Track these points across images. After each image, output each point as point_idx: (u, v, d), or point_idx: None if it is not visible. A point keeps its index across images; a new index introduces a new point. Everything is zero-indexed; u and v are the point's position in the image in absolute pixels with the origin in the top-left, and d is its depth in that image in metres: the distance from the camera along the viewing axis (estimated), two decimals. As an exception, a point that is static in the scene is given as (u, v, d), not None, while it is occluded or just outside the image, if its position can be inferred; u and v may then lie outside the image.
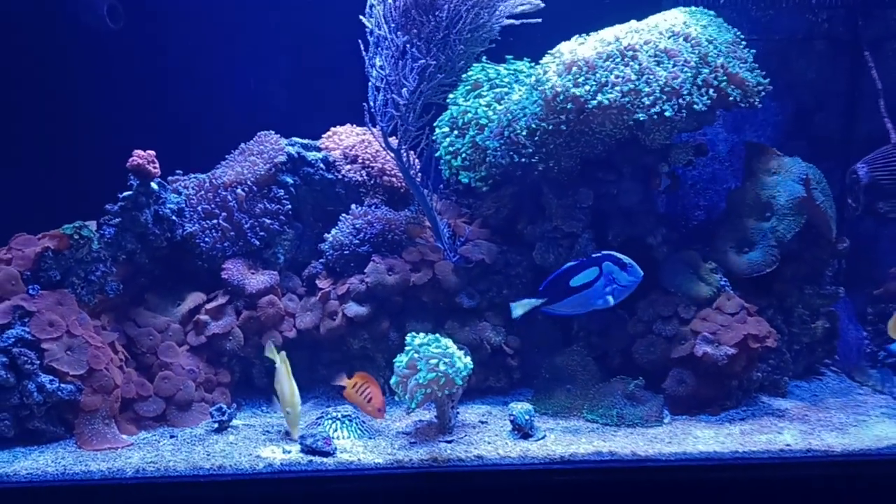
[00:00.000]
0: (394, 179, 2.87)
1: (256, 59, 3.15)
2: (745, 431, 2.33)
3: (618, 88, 2.36)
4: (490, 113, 2.72)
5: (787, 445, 2.22)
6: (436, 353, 2.28)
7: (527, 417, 2.30)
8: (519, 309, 2.37)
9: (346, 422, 2.34)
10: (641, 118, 2.36)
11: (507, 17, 2.56)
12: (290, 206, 2.78)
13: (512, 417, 2.31)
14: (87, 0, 2.96)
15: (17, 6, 2.99)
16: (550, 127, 2.45)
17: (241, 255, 2.72)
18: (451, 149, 2.76)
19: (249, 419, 2.49)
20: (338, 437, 2.29)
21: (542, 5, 2.57)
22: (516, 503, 2.17)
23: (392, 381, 2.34)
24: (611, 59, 2.41)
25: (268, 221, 2.73)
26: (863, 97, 2.87)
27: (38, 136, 3.04)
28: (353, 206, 2.80)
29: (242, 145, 2.90)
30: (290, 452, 2.19)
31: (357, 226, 2.72)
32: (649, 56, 2.41)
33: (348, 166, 2.86)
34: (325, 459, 2.16)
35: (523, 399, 2.54)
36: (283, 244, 2.77)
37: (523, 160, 2.55)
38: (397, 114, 2.55)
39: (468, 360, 2.34)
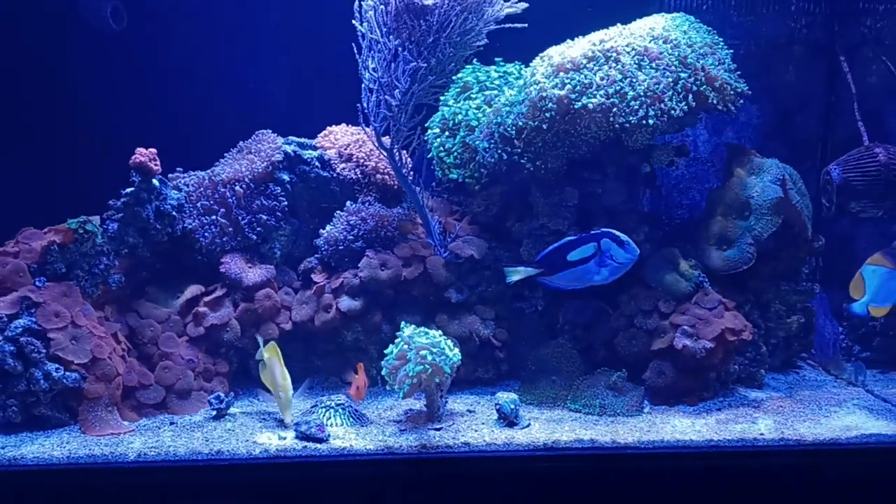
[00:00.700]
0: (387, 178, 2.94)
1: (255, 60, 3.19)
2: (721, 421, 2.40)
3: (601, 92, 2.44)
4: (480, 114, 2.79)
5: (761, 434, 2.29)
6: (425, 344, 2.35)
7: (512, 407, 2.37)
8: (514, 275, 2.40)
9: (340, 410, 2.41)
10: (625, 124, 2.43)
11: (495, 22, 2.62)
12: (286, 203, 2.83)
13: (498, 406, 2.38)
14: (90, 2, 3.01)
15: (23, 8, 3.03)
16: (537, 126, 2.52)
17: (239, 249, 2.78)
18: (442, 149, 2.85)
19: (246, 407, 2.56)
20: (331, 425, 2.36)
21: (527, 5, 2.64)
22: (501, 488, 2.23)
23: (383, 371, 2.41)
24: (595, 62, 2.49)
25: (265, 217, 2.79)
26: (839, 101, 2.96)
27: (44, 134, 3.07)
28: (347, 203, 2.86)
29: (241, 144, 2.94)
30: (285, 439, 2.26)
31: (351, 222, 2.79)
32: (632, 60, 2.49)
33: (343, 165, 2.93)
34: (318, 445, 2.22)
35: (510, 390, 2.60)
36: (279, 239, 2.84)
37: (512, 159, 2.62)
38: (390, 114, 2.61)
39: (456, 351, 2.41)
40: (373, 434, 2.32)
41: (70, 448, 2.20)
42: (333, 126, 3.05)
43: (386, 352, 2.42)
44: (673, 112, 2.46)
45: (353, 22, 2.58)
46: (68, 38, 3.07)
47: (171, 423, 2.42)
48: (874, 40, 2.99)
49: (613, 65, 2.47)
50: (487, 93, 2.85)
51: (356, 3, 2.57)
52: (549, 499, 2.24)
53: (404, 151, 2.75)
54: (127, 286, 2.64)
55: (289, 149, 2.89)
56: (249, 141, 2.94)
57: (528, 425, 2.37)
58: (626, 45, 2.50)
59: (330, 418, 2.39)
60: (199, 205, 2.78)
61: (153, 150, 2.59)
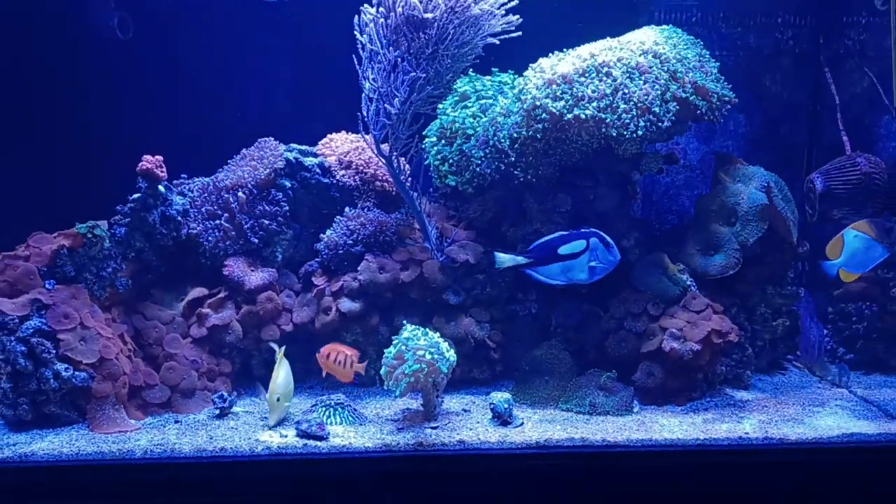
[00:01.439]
0: (385, 184, 3.00)
1: (258, 69, 3.25)
2: (708, 420, 2.47)
3: (594, 104, 2.50)
4: (476, 123, 2.86)
5: (746, 434, 2.36)
6: (422, 346, 2.42)
7: (506, 406, 2.44)
8: (505, 261, 2.47)
9: (339, 409, 2.47)
10: (614, 134, 2.50)
11: (491, 35, 2.69)
12: (288, 208, 2.88)
13: (492, 406, 2.45)
14: (98, 12, 3.06)
15: (33, 19, 3.08)
16: (530, 135, 2.59)
17: (242, 253, 2.84)
18: (439, 157, 2.92)
19: (248, 406, 2.61)
20: (331, 423, 2.42)
21: (521, 21, 2.71)
22: (495, 484, 2.29)
23: (381, 370, 2.46)
24: (586, 75, 2.56)
25: (267, 222, 2.85)
26: (824, 111, 3.04)
27: (54, 141, 3.12)
28: (347, 209, 2.92)
29: (244, 151, 3.00)
30: (286, 437, 2.32)
31: (351, 227, 2.85)
32: (623, 72, 2.56)
33: (343, 171, 2.99)
34: (318, 443, 2.28)
35: (504, 390, 2.64)
36: (281, 244, 2.89)
37: (507, 169, 2.70)
38: (389, 123, 2.67)
39: (452, 352, 2.47)
40: (371, 432, 2.38)
41: (79, 445, 2.26)
42: (334, 134, 3.11)
43: (385, 352, 2.48)
44: (661, 124, 2.53)
45: (354, 33, 2.64)
46: (77, 48, 3.11)
47: (176, 422, 2.48)
48: (858, 52, 3.07)
49: (605, 77, 2.54)
50: (483, 101, 2.92)
51: (357, 15, 2.64)
52: (541, 495, 2.30)
53: (402, 158, 2.81)
54: (133, 289, 2.70)
55: (290, 156, 2.95)
56: (252, 148, 3.00)
57: (522, 424, 2.43)
58: (616, 58, 2.57)
59: (329, 417, 2.45)
60: (203, 210, 2.84)
61: (159, 158, 2.65)
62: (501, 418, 2.44)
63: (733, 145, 3.17)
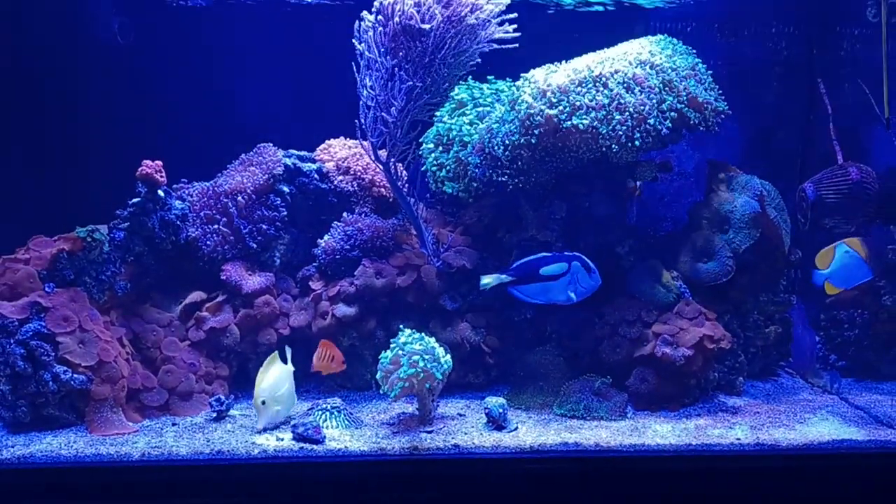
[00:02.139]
0: (383, 190, 3.02)
1: (257, 75, 3.27)
2: (700, 426, 2.49)
3: (592, 115, 2.52)
4: (472, 130, 2.89)
5: (738, 440, 2.38)
6: (418, 350, 2.45)
7: (501, 411, 2.46)
8: (488, 281, 2.51)
9: (335, 412, 2.49)
10: (615, 148, 2.53)
11: (487, 43, 2.72)
12: (285, 213, 2.91)
13: (487, 410, 2.47)
14: (99, 17, 3.10)
15: (34, 23, 3.10)
16: (523, 143, 2.60)
17: (240, 257, 2.86)
18: (436, 163, 2.95)
19: (245, 410, 2.62)
20: (327, 427, 2.44)
21: (518, 34, 2.75)
22: (489, 488, 2.31)
23: (378, 375, 2.49)
24: (583, 86, 2.59)
25: (265, 227, 2.88)
26: (817, 120, 3.07)
27: (54, 145, 3.15)
28: (344, 214, 2.94)
29: (243, 156, 3.02)
30: (282, 440, 2.34)
31: (348, 232, 2.87)
32: (618, 83, 2.58)
33: (341, 177, 3.02)
34: (314, 446, 2.30)
35: (499, 395, 2.66)
36: (278, 248, 2.91)
37: (500, 177, 2.72)
38: (386, 130, 2.70)
39: (448, 357, 2.50)
40: (367, 436, 2.40)
41: (77, 447, 2.28)
42: (332, 140, 3.13)
43: (381, 356, 2.51)
44: (656, 134, 2.56)
45: (353, 41, 2.67)
46: (77, 52, 3.14)
47: (174, 425, 2.49)
48: (850, 63, 3.11)
49: (602, 89, 2.56)
50: (480, 109, 2.95)
51: (356, 23, 2.66)
52: (535, 500, 2.31)
53: (400, 165, 2.84)
54: (132, 292, 2.72)
55: (289, 161, 2.98)
56: (251, 154, 3.02)
57: (516, 429, 2.46)
58: (612, 69, 2.60)
59: (326, 420, 2.47)
60: (202, 214, 2.86)
61: (159, 162, 2.67)
62: (496, 423, 2.46)
63: (727, 153, 3.19)
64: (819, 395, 2.86)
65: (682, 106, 2.62)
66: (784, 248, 2.81)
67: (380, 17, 2.63)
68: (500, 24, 2.70)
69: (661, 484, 2.35)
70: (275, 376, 2.49)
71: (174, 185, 2.91)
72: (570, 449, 2.34)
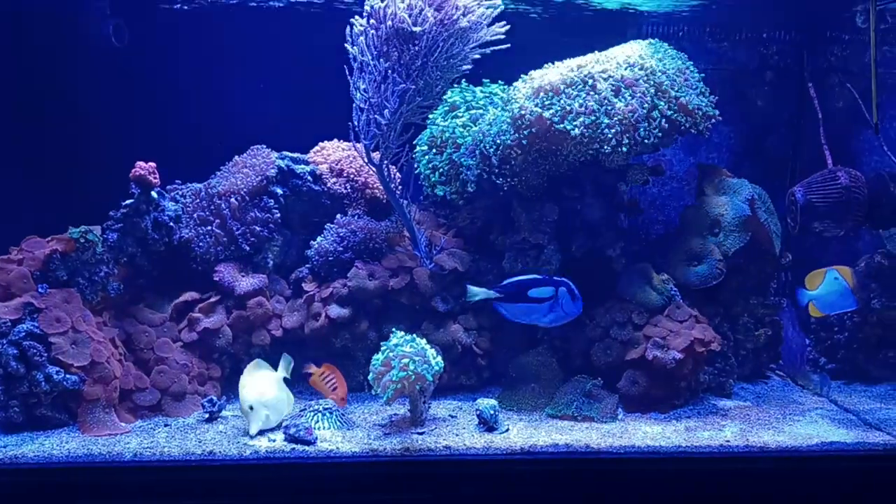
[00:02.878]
0: (376, 192, 3.04)
1: (251, 77, 3.28)
2: (690, 428, 2.51)
3: (581, 119, 2.54)
4: (466, 132, 2.90)
5: (727, 441, 2.40)
6: (409, 353, 2.46)
7: (492, 412, 2.47)
8: (476, 294, 2.53)
9: (327, 414, 2.50)
10: (608, 150, 2.55)
11: (480, 47, 2.72)
12: (279, 215, 2.92)
13: (478, 412, 2.48)
14: (93, 19, 3.10)
15: (29, 25, 3.11)
16: (515, 143, 2.62)
17: (233, 259, 2.87)
18: (429, 165, 2.96)
19: (238, 411, 2.60)
20: (319, 428, 2.44)
21: (508, 29, 2.76)
22: (480, 489, 2.32)
23: (370, 376, 2.50)
24: (574, 88, 2.60)
25: (258, 229, 2.89)
26: (808, 124, 3.09)
27: (47, 146, 3.15)
28: (337, 216, 2.95)
29: (236, 158, 3.03)
30: (274, 441, 2.35)
31: (341, 234, 2.88)
32: (609, 87, 2.60)
33: (334, 179, 3.03)
34: (306, 448, 2.31)
35: (491, 396, 2.68)
36: (272, 250, 2.93)
37: (493, 179, 2.74)
38: (379, 132, 2.71)
39: (439, 359, 2.51)
40: (358, 437, 2.41)
41: (69, 447, 2.29)
42: (325, 142, 3.15)
43: (373, 358, 2.51)
44: (647, 140, 2.57)
45: (346, 45, 2.68)
46: (71, 54, 3.15)
47: (166, 425, 2.50)
48: (840, 68, 3.13)
49: (591, 93, 2.58)
50: (474, 112, 2.96)
51: (348, 26, 2.68)
52: (525, 501, 2.33)
53: (393, 167, 2.85)
54: (125, 293, 2.72)
55: (282, 163, 2.99)
56: (245, 155, 3.04)
57: (507, 430, 2.47)
58: (603, 73, 2.62)
59: (318, 421, 2.48)
60: (195, 216, 2.88)
61: (152, 164, 2.68)
62: (487, 424, 2.47)
63: (718, 157, 3.22)
64: (809, 398, 2.87)
65: (675, 111, 2.64)
66: (774, 252, 2.83)
67: (372, 20, 2.64)
68: (490, 24, 2.71)
69: (651, 485, 2.36)
70: (259, 381, 2.48)
71: (167, 187, 2.92)
72: (560, 450, 2.36)
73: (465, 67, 2.75)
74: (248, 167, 2.97)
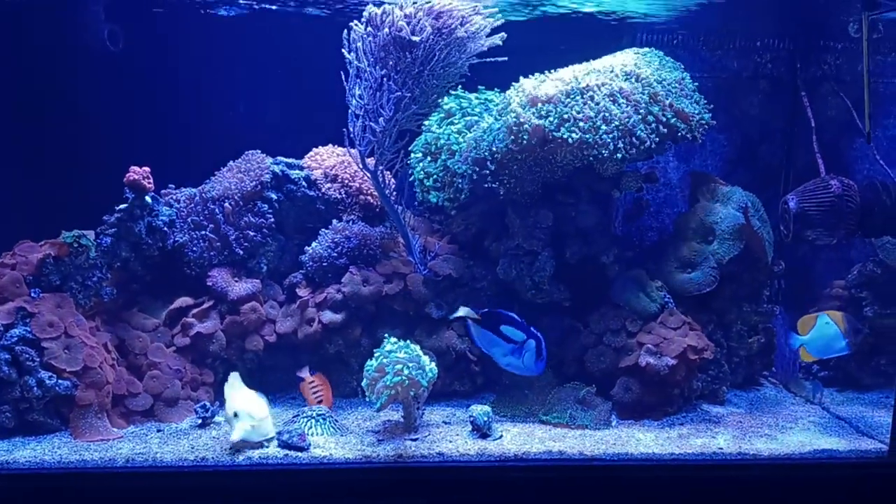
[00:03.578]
0: (370, 198, 3.04)
1: (246, 83, 3.29)
2: (683, 435, 2.52)
3: (579, 126, 2.55)
4: (461, 139, 2.91)
5: (720, 449, 2.41)
6: (402, 359, 2.46)
7: (485, 419, 2.47)
8: (461, 313, 2.53)
9: (320, 420, 2.50)
10: (605, 154, 2.56)
11: (477, 56, 2.73)
12: (273, 220, 2.92)
13: (472, 419, 2.48)
14: (89, 24, 3.10)
15: (24, 30, 3.11)
16: (511, 149, 2.61)
17: (227, 264, 2.87)
18: (424, 172, 2.96)
19: None
20: (312, 434, 2.44)
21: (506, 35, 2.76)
22: (473, 496, 2.33)
23: (363, 382, 2.49)
24: (570, 97, 2.61)
25: (252, 234, 2.88)
26: (801, 133, 3.11)
27: (41, 151, 3.15)
28: (332, 222, 2.95)
29: (231, 163, 3.03)
30: (267, 447, 2.34)
31: (335, 240, 2.88)
32: (605, 95, 2.60)
33: (328, 185, 3.03)
34: (299, 454, 2.31)
35: (485, 402, 2.68)
36: (265, 255, 2.93)
37: (489, 184, 2.74)
38: (374, 139, 2.71)
39: (433, 365, 2.51)
40: (352, 443, 2.41)
41: (61, 453, 2.28)
42: (320, 147, 3.14)
43: (366, 364, 2.51)
44: (642, 146, 2.58)
45: (343, 51, 2.68)
46: (67, 59, 3.14)
47: (159, 431, 2.50)
48: (833, 77, 3.15)
49: (588, 101, 2.58)
50: (469, 119, 2.97)
51: (345, 32, 2.68)
52: (519, 508, 2.33)
53: (388, 173, 2.85)
54: (119, 298, 2.72)
55: (277, 168, 2.99)
56: (239, 160, 3.03)
57: (501, 437, 2.47)
58: (600, 81, 2.63)
59: (311, 428, 2.48)
60: (189, 220, 2.87)
61: (146, 169, 2.68)
62: (481, 431, 2.47)
63: (712, 165, 3.23)
64: (801, 406, 2.88)
65: (669, 118, 2.65)
66: (767, 259, 2.84)
67: (369, 27, 2.64)
68: (490, 34, 2.72)
69: (644, 492, 2.37)
70: (246, 392, 2.46)
71: (161, 191, 2.91)
72: (553, 458, 2.36)
73: (461, 76, 2.76)
74: (243, 172, 2.97)
